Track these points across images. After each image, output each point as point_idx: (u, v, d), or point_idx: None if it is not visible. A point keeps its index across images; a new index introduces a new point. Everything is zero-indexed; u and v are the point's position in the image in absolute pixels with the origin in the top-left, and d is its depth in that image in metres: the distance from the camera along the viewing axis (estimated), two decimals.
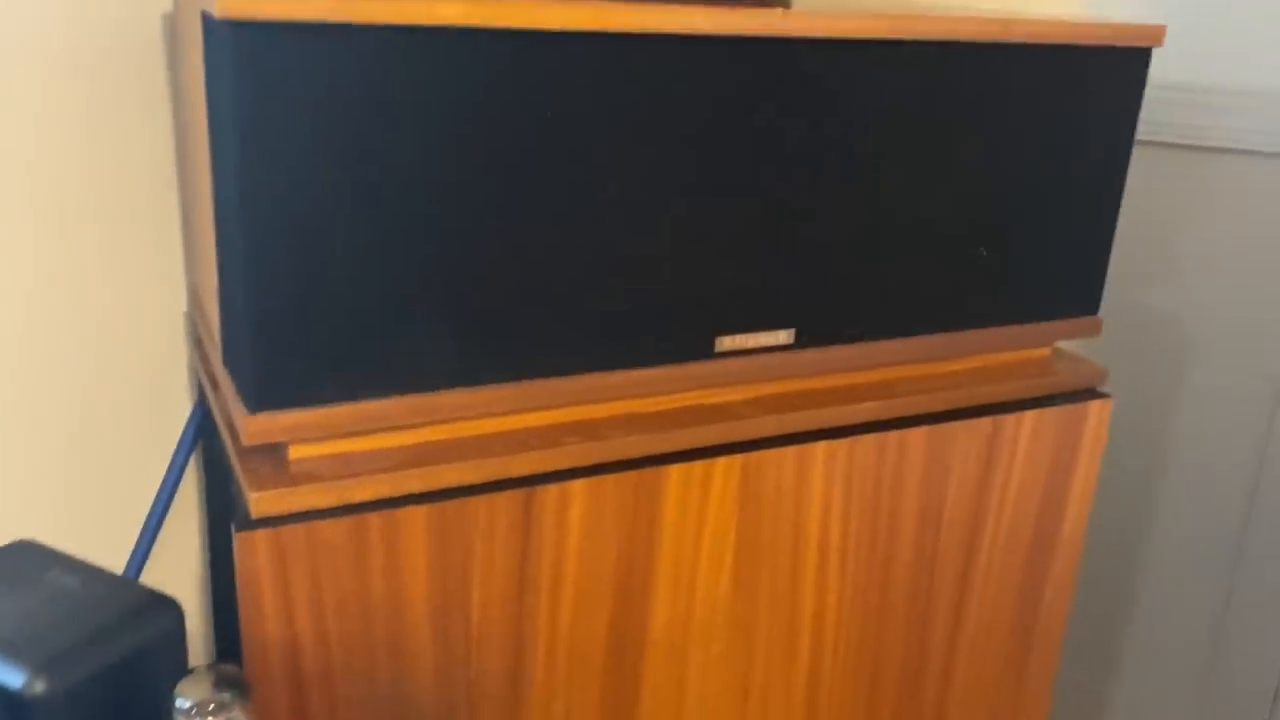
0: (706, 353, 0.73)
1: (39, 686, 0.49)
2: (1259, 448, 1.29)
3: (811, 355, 0.76)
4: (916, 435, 0.80)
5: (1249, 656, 1.37)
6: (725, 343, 0.73)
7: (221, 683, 0.52)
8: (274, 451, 0.65)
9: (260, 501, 0.61)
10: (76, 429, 0.89)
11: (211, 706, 0.51)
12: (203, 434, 0.94)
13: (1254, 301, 1.26)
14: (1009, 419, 0.82)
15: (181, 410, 0.94)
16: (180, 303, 0.91)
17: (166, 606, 0.56)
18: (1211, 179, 1.25)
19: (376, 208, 0.60)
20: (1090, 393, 0.86)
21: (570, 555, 0.71)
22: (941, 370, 0.83)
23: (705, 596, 0.76)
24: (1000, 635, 0.90)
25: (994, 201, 0.78)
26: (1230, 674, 1.39)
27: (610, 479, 0.70)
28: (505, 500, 0.67)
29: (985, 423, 0.82)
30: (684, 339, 0.71)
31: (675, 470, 0.72)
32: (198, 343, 0.86)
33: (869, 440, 0.78)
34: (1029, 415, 0.83)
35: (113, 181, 0.86)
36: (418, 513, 0.65)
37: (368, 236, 0.60)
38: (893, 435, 0.79)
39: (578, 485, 0.69)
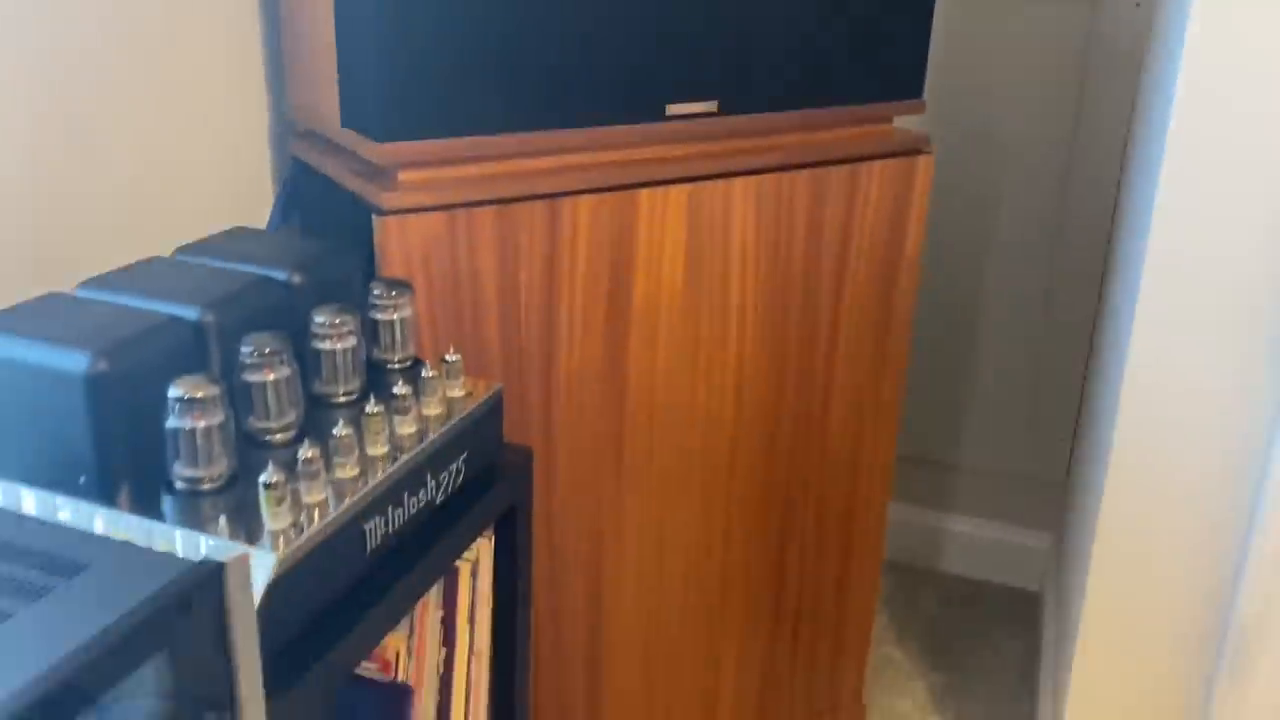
0: (661, 116, 1.09)
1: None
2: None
3: (732, 120, 1.13)
4: (803, 177, 1.17)
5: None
6: (672, 109, 1.09)
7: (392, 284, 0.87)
8: (388, 174, 0.99)
9: (389, 199, 0.96)
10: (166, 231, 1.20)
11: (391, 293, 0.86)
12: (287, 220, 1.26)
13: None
14: (863, 166, 1.21)
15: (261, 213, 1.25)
16: (263, 119, 1.22)
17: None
18: None
19: None
20: (917, 151, 1.25)
21: (580, 247, 1.07)
22: (817, 138, 1.21)
23: (667, 283, 1.13)
24: (866, 321, 1.30)
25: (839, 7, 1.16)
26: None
27: (604, 197, 1.06)
28: (539, 208, 1.03)
29: (846, 169, 1.20)
30: (646, 105, 1.07)
31: (644, 194, 1.09)
32: (280, 144, 1.18)
33: (771, 179, 1.16)
34: (877, 164, 1.22)
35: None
36: (488, 212, 1.00)
37: (461, 6, 0.94)
38: (786, 176, 1.16)
39: (583, 200, 1.05)
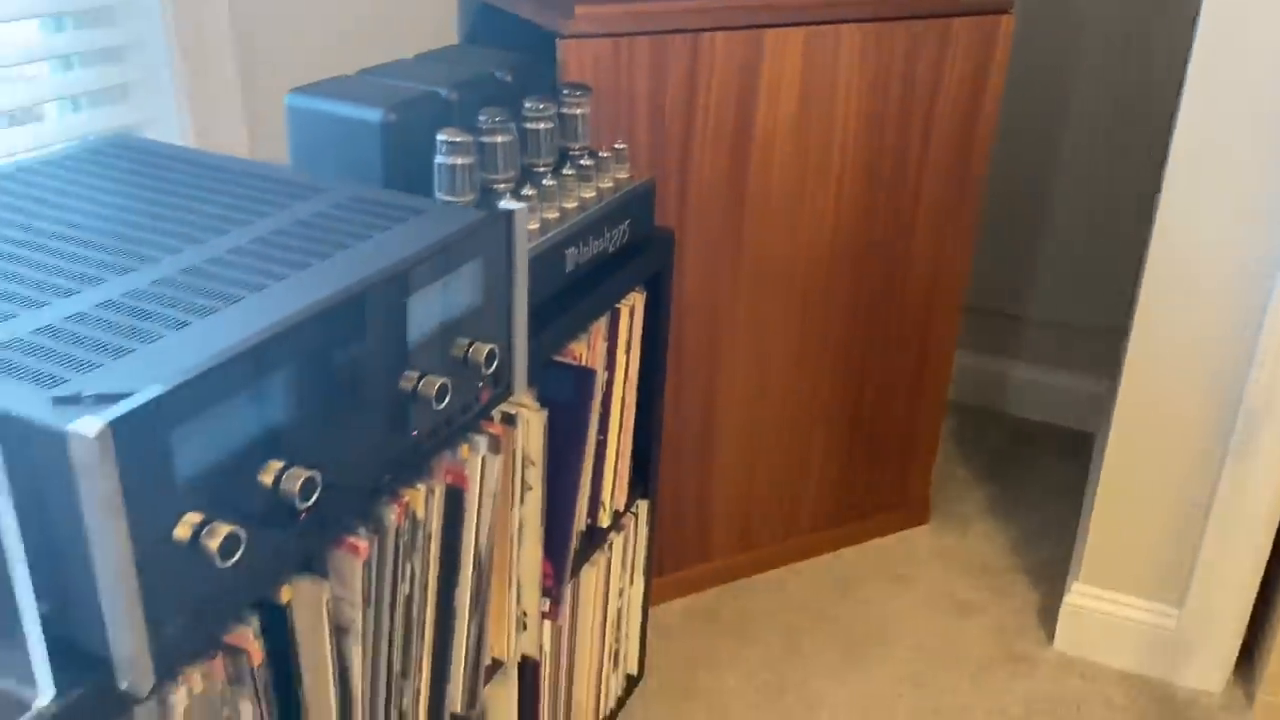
0: None
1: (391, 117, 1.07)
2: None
3: None
4: (899, 27, 1.40)
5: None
6: None
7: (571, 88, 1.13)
8: (569, 7, 1.24)
9: (569, 26, 1.21)
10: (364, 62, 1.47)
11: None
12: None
13: None
14: (953, 21, 1.43)
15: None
16: None
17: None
18: None
19: None
20: (1000, 10, 1.46)
21: (715, 75, 1.31)
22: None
23: (784, 111, 1.37)
24: (950, 159, 1.52)
25: None
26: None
27: (735, 34, 1.30)
28: (683, 40, 1.28)
29: (938, 22, 1.42)
30: None
31: (769, 33, 1.32)
32: None
33: (873, 27, 1.38)
34: (964, 20, 1.43)
35: None
36: (643, 41, 1.25)
37: None
38: (885, 25, 1.39)
39: (719, 36, 1.29)
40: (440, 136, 0.94)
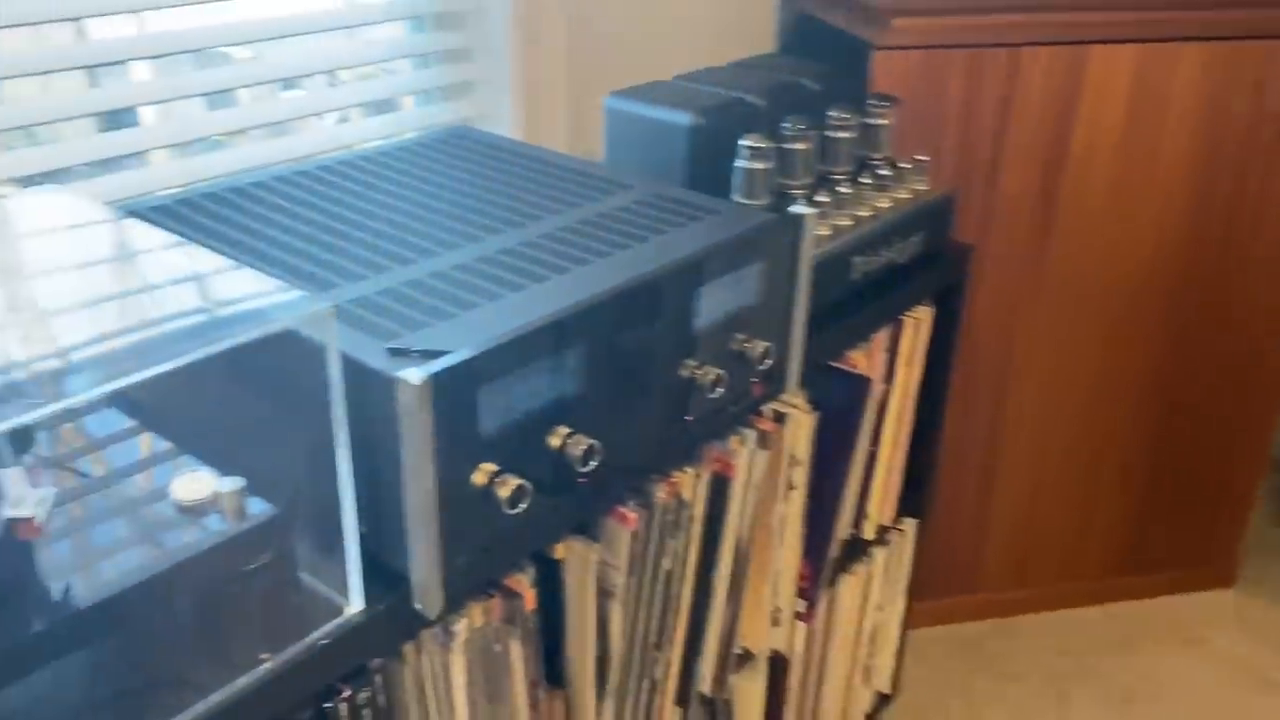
0: None
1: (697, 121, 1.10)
2: None
3: None
4: (1249, 48, 1.29)
5: None
6: None
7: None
8: (884, 20, 1.25)
9: (883, 38, 1.22)
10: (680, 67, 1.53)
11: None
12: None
13: None
14: None
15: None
16: None
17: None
18: None
19: None
20: None
21: (1032, 91, 1.27)
22: (1264, 14, 1.31)
23: (1105, 131, 1.31)
24: None
25: None
26: None
27: (1058, 50, 1.26)
28: (1002, 55, 1.25)
29: None
30: None
31: (1095, 49, 1.26)
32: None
33: (1220, 48, 1.29)
34: None
35: None
36: (959, 54, 1.24)
37: None
38: (1233, 45, 1.29)
39: (1040, 51, 1.25)
40: (742, 142, 0.98)
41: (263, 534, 0.59)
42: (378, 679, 0.66)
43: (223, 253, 0.72)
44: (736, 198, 0.98)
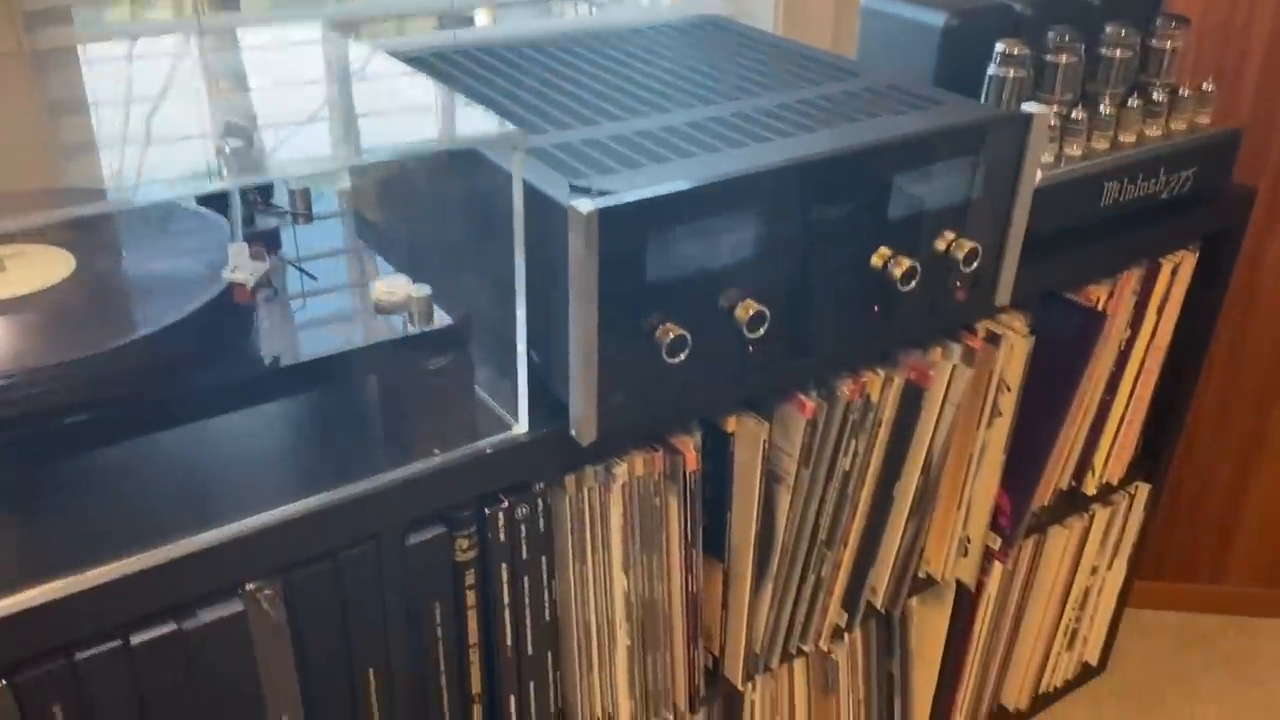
0: None
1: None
2: None
3: None
4: None
5: None
6: None
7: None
8: None
9: None
10: None
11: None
12: None
13: None
14: None
15: None
16: None
17: None
18: None
19: None
20: None
21: None
22: None
23: None
24: None
25: None
26: None
27: None
28: None
29: None
30: None
31: None
32: None
33: None
34: None
35: None
36: None
37: None
38: None
39: None
40: (998, 46, 0.93)
41: (444, 338, 0.64)
42: (540, 501, 0.71)
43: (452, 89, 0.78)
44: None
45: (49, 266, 0.61)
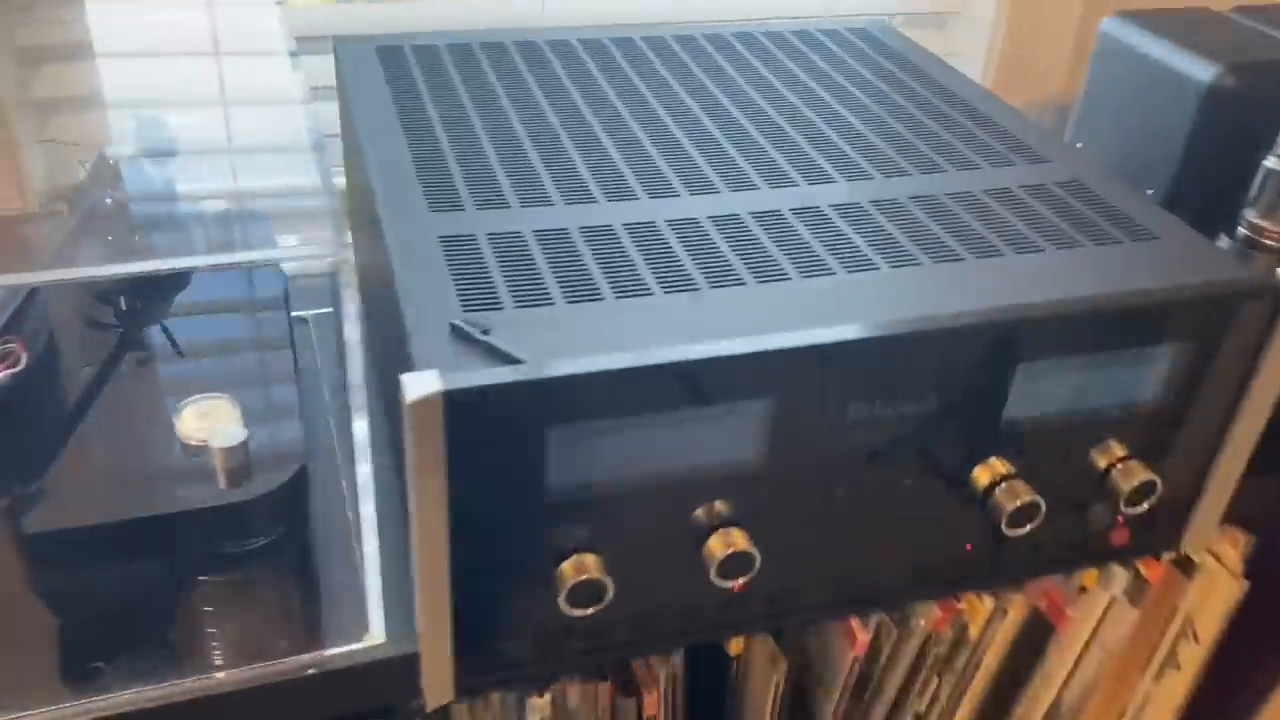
0: None
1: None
2: None
3: None
4: None
5: None
6: None
7: None
8: None
9: None
10: None
11: None
12: None
13: None
14: None
15: None
16: None
17: None
18: None
19: None
20: None
21: None
22: None
23: None
24: None
25: None
26: None
27: None
28: None
29: None
30: None
31: None
32: None
33: None
34: None
35: None
36: None
37: None
38: None
39: None
40: None
41: (266, 506, 0.43)
42: None
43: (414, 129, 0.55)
44: (1248, 214, 0.62)
45: None
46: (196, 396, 0.44)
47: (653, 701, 0.53)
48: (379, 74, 0.61)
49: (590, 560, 0.41)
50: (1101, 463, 0.48)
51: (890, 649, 0.57)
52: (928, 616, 0.56)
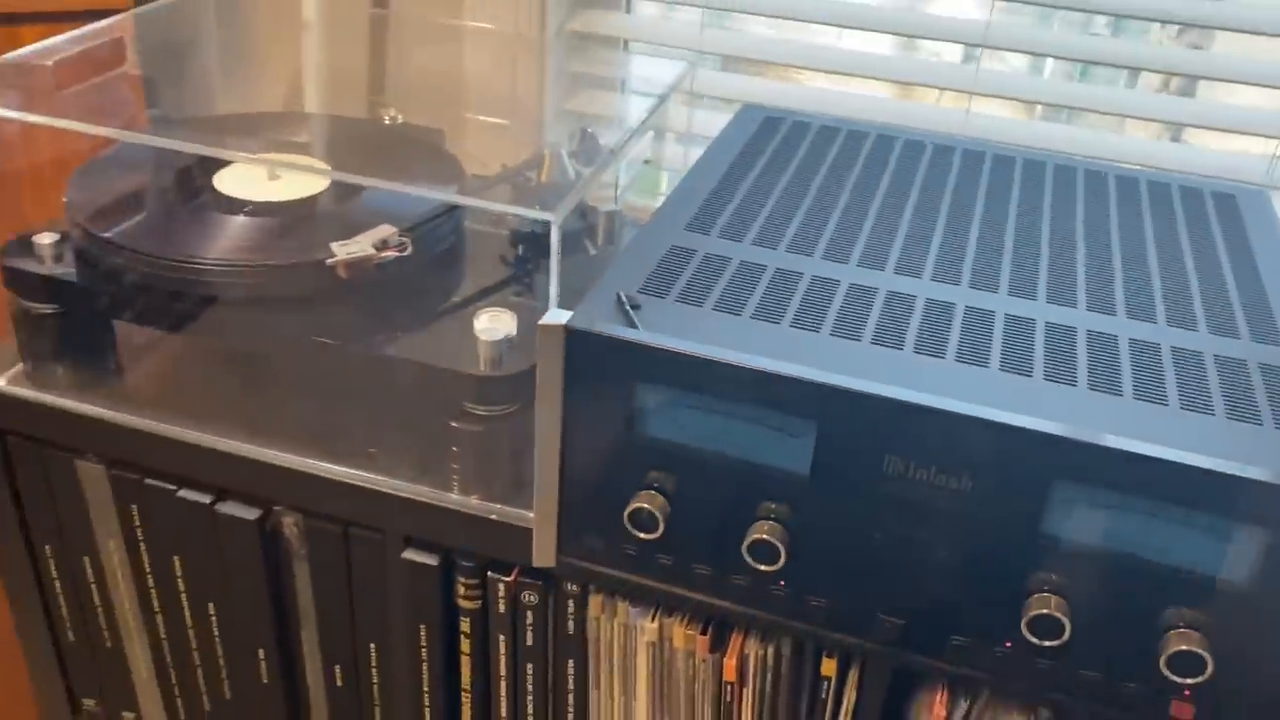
0: None
1: None
2: None
3: None
4: None
5: None
6: None
7: None
8: None
9: None
10: None
11: None
12: None
13: None
14: None
15: None
16: None
17: None
18: None
19: None
20: None
21: None
22: None
23: None
24: None
25: None
26: None
27: None
28: None
29: None
30: None
31: None
32: None
33: None
34: None
35: None
36: None
37: None
38: None
39: None
40: None
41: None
42: (553, 600, 0.65)
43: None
44: None
45: (309, 182, 0.73)
46: (492, 309, 0.64)
47: (730, 669, 0.62)
48: (749, 131, 0.77)
49: (657, 498, 0.53)
50: (1162, 624, 0.48)
51: None
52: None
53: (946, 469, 0.49)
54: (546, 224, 0.56)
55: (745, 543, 0.52)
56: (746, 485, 0.52)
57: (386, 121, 0.85)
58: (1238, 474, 0.45)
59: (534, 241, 0.76)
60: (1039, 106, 0.97)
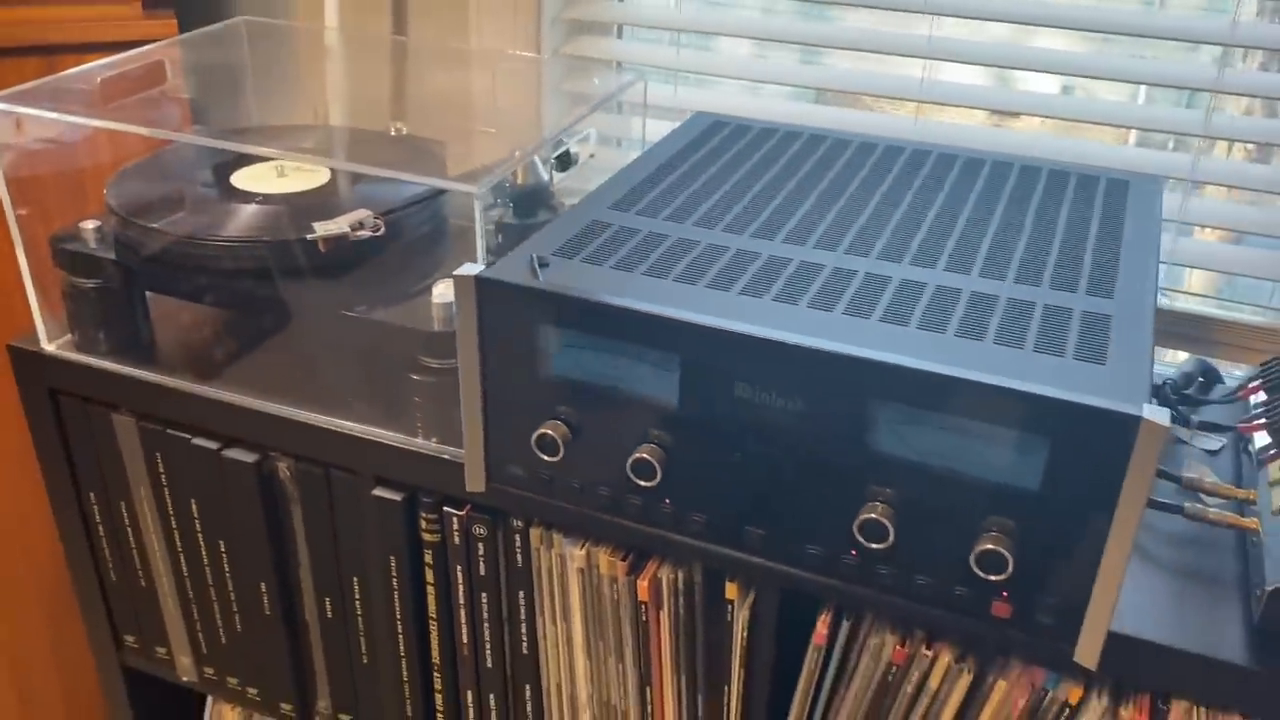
0: None
1: None
2: None
3: None
4: None
5: None
6: None
7: None
8: None
9: None
10: None
11: None
12: None
13: None
14: None
15: None
16: None
17: None
18: None
19: None
20: None
21: None
22: None
23: None
24: None
25: None
26: None
27: None
28: None
29: None
30: None
31: None
32: None
33: None
34: None
35: None
36: None
37: None
38: None
39: None
40: None
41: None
42: (500, 533, 0.75)
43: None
44: None
45: (309, 177, 0.86)
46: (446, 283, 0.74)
47: (644, 588, 0.71)
48: (692, 133, 0.86)
49: (560, 426, 0.63)
50: (971, 525, 0.56)
51: (837, 658, 0.67)
52: (886, 645, 0.65)
53: (784, 392, 0.57)
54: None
55: (629, 461, 0.61)
56: (632, 414, 0.62)
57: (392, 134, 0.98)
58: (1019, 388, 0.52)
59: (511, 231, 0.87)
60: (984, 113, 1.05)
